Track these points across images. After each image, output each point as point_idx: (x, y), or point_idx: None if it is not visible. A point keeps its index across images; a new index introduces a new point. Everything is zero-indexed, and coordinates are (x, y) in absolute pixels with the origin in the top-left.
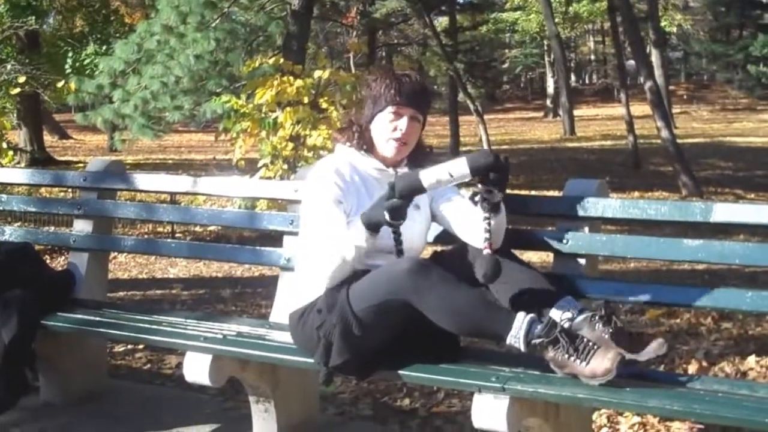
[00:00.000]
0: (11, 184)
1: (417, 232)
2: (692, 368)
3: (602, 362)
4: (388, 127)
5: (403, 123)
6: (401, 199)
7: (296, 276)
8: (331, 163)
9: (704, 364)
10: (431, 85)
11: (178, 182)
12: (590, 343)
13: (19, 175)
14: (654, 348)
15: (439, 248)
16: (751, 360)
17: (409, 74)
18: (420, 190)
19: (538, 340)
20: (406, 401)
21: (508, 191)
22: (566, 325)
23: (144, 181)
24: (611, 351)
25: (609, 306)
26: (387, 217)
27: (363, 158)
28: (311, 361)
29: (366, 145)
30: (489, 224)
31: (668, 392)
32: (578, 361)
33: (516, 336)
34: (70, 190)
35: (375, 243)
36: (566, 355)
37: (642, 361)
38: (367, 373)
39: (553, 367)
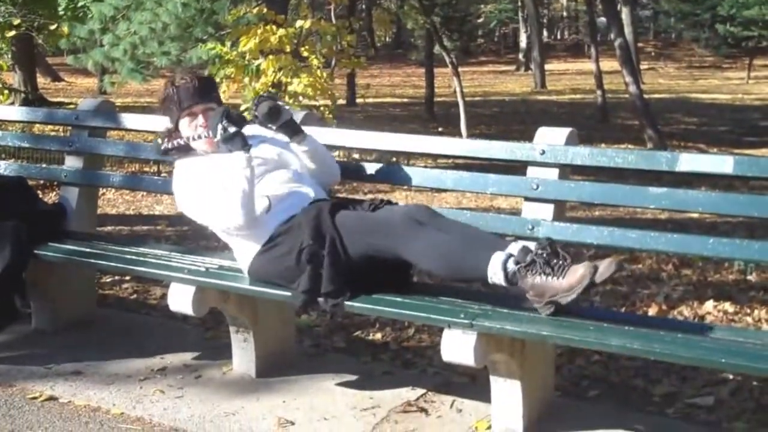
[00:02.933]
0: (5, 122)
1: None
2: (652, 311)
3: (576, 273)
4: (190, 128)
5: (200, 118)
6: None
7: (230, 242)
8: (183, 164)
9: (664, 307)
10: (408, 38)
11: (165, 122)
12: (562, 261)
13: (13, 112)
14: (606, 266)
15: None
16: (709, 305)
17: (184, 77)
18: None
19: (516, 266)
20: (378, 335)
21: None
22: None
23: (133, 120)
24: (582, 264)
25: (554, 242)
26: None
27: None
28: (290, 294)
29: (177, 147)
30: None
31: (629, 332)
32: (555, 278)
33: (495, 272)
34: (61, 129)
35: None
36: (544, 276)
37: (598, 283)
38: (343, 304)
39: (532, 299)
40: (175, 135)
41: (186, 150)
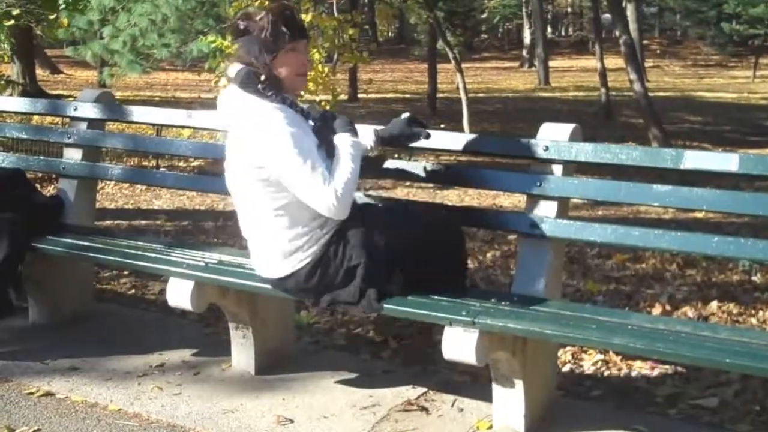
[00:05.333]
0: (4, 113)
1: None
2: (656, 311)
3: None
4: (295, 63)
5: (304, 55)
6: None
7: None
8: (284, 110)
9: (668, 307)
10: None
11: (165, 115)
12: None
13: (12, 103)
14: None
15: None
16: (713, 305)
17: (288, 6)
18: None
19: None
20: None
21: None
22: None
23: (132, 112)
24: None
25: None
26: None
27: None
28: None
29: (275, 88)
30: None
31: (632, 331)
32: None
33: None
34: (60, 121)
35: None
36: None
37: None
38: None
39: None
40: (269, 70)
41: (278, 88)
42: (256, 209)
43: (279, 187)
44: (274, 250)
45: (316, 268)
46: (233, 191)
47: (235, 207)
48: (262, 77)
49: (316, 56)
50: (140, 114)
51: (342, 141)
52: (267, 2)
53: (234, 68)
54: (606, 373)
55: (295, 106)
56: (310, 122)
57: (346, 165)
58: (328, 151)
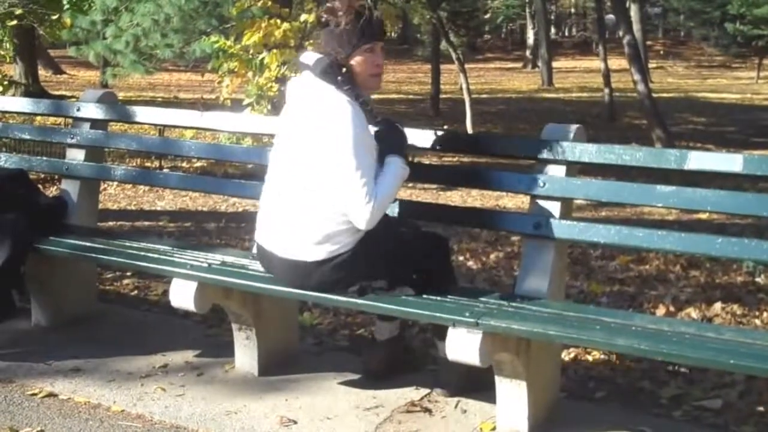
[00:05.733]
0: (7, 113)
1: None
2: (660, 312)
3: None
4: (370, 63)
5: (380, 57)
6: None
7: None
8: (354, 107)
9: (671, 308)
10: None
11: (169, 115)
12: None
13: (14, 103)
14: None
15: None
16: (717, 306)
17: (370, 7)
18: None
19: None
20: None
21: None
22: None
23: (135, 113)
24: None
25: None
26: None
27: (355, 100)
28: (292, 291)
29: (351, 83)
30: None
31: (636, 332)
32: None
33: None
34: (62, 121)
35: None
36: None
37: None
38: None
39: None
40: (344, 65)
41: (354, 83)
42: (304, 191)
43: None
44: (313, 234)
45: (355, 256)
46: (279, 169)
47: (270, 187)
48: (343, 69)
49: None
50: (144, 114)
51: (394, 163)
52: (269, 3)
53: (312, 56)
54: (610, 375)
55: (365, 105)
56: (371, 127)
57: (390, 188)
58: (380, 157)
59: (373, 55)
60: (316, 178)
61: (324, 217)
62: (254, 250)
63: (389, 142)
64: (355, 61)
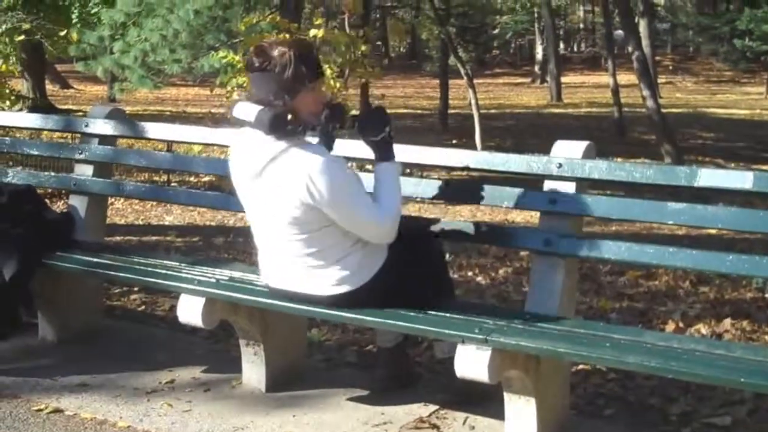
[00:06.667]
0: (14, 128)
1: None
2: (669, 328)
3: None
4: (313, 101)
5: (322, 95)
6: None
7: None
8: (318, 153)
9: (681, 325)
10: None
11: (177, 131)
12: None
13: (22, 119)
14: None
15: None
16: (727, 323)
17: (308, 43)
18: None
19: None
20: None
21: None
22: None
23: (144, 128)
24: None
25: None
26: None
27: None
28: (300, 307)
29: (300, 126)
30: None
31: (646, 349)
32: None
33: None
34: (69, 136)
35: None
36: None
37: None
38: None
39: None
40: (288, 111)
41: (302, 131)
42: (307, 237)
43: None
44: (330, 277)
45: (377, 279)
46: (268, 228)
47: (262, 236)
48: (289, 117)
49: (328, 71)
50: (152, 130)
51: (385, 170)
52: (278, 17)
53: (248, 109)
54: (619, 392)
55: (323, 131)
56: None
57: (394, 197)
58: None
59: (315, 94)
60: (315, 225)
61: (335, 259)
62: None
63: (371, 141)
64: (298, 102)
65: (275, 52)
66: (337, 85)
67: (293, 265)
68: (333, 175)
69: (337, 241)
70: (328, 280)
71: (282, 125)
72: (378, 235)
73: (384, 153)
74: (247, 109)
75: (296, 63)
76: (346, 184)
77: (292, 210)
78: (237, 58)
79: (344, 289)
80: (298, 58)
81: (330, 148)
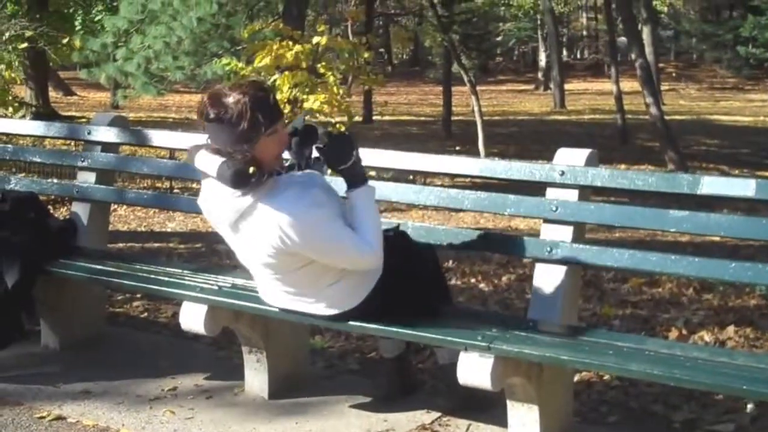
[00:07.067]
0: (17, 135)
1: None
2: (672, 336)
3: None
4: (275, 145)
5: (284, 135)
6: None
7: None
8: (285, 202)
9: (684, 332)
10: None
11: (180, 138)
12: None
13: (25, 126)
14: None
15: None
16: (730, 330)
17: (263, 87)
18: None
19: None
20: None
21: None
22: None
23: (147, 136)
24: None
25: None
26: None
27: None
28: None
29: (263, 171)
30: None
31: (649, 356)
32: None
33: None
34: (73, 144)
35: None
36: None
37: None
38: None
39: None
40: (253, 157)
41: (264, 170)
42: (294, 277)
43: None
44: (326, 304)
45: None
46: (253, 267)
47: (253, 273)
48: (251, 170)
49: (331, 78)
50: (155, 138)
51: (358, 197)
52: (281, 25)
53: (209, 161)
54: (623, 399)
55: (290, 169)
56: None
57: (372, 223)
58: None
59: (275, 137)
60: (299, 264)
61: (327, 285)
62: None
63: (341, 170)
64: (259, 150)
65: (230, 100)
66: (340, 92)
67: (285, 294)
68: (305, 224)
69: (326, 271)
70: (322, 304)
71: (245, 181)
72: (363, 265)
73: (355, 179)
74: (207, 161)
75: (252, 112)
76: (322, 228)
77: (272, 257)
78: (240, 65)
79: (340, 310)
80: (254, 105)
81: (308, 166)
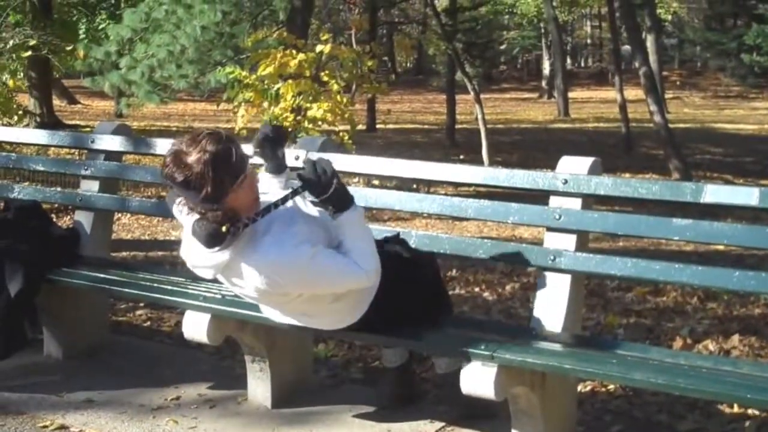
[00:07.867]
0: (21, 144)
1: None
2: (677, 345)
3: None
4: (247, 191)
5: (254, 180)
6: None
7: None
8: (266, 249)
9: (688, 341)
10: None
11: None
12: None
13: (29, 135)
14: None
15: None
16: (735, 339)
17: (223, 141)
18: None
19: None
20: None
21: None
22: None
23: (150, 144)
24: None
25: None
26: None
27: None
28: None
29: (239, 223)
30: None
31: (653, 366)
32: None
33: None
34: (76, 152)
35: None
36: None
37: None
38: None
39: None
40: (226, 212)
41: (239, 219)
42: (291, 306)
43: None
44: (325, 316)
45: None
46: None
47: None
48: (224, 228)
49: (335, 87)
50: (158, 146)
51: (348, 222)
52: (285, 33)
53: (184, 216)
54: (627, 408)
55: (267, 211)
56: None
57: (366, 243)
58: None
59: (245, 185)
60: (294, 295)
61: (326, 306)
62: None
63: (324, 198)
64: (230, 202)
65: (191, 159)
66: (344, 100)
67: (287, 315)
68: (293, 266)
69: (325, 294)
70: (325, 321)
71: (218, 241)
72: (359, 287)
73: (340, 204)
74: (182, 216)
75: (214, 172)
76: (312, 264)
77: (265, 297)
78: (244, 73)
79: (341, 325)
80: (215, 164)
81: (283, 169)
